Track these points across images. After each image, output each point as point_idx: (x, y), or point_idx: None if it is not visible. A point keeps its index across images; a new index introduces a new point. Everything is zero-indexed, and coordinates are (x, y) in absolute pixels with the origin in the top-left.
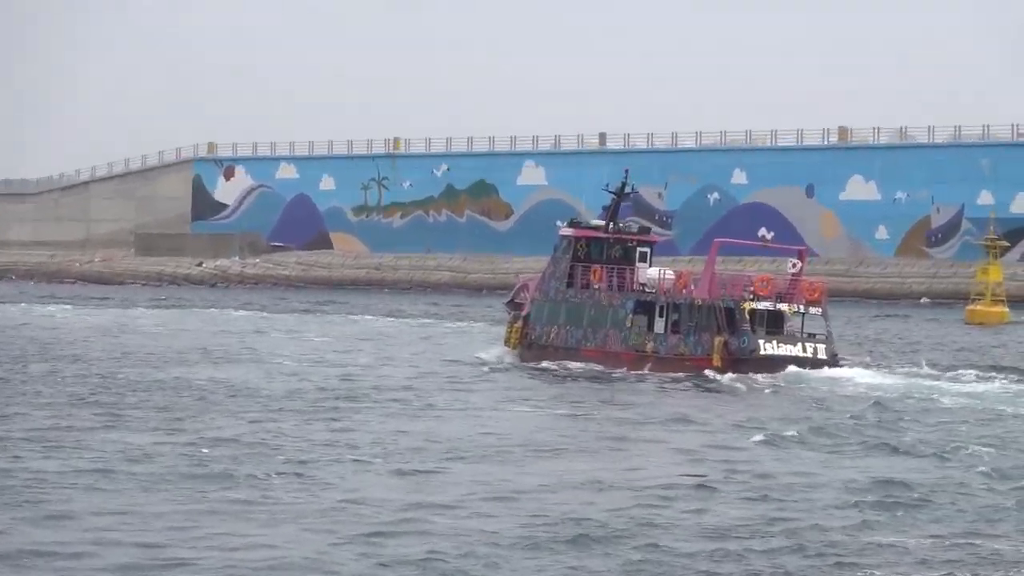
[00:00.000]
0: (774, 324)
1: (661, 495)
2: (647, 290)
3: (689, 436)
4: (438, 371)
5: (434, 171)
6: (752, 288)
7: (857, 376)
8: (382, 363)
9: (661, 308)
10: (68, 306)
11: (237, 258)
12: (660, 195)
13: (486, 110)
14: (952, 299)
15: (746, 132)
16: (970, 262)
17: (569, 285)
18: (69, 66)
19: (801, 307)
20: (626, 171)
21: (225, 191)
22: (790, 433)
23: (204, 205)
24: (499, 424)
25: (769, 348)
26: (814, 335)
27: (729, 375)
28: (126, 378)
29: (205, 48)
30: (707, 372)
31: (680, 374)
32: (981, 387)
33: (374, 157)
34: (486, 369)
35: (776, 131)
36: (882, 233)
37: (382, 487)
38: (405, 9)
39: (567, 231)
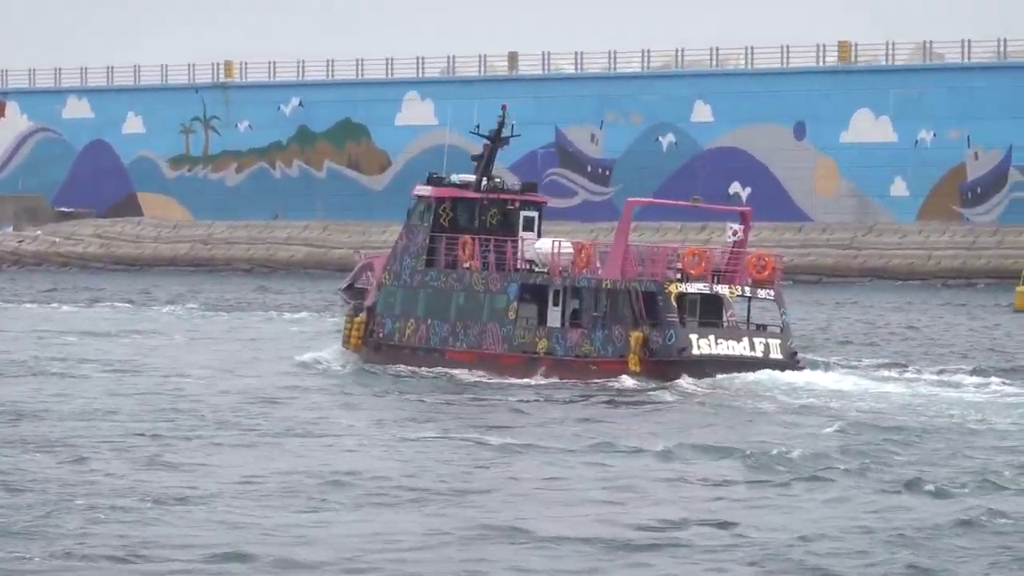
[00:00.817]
0: (710, 313)
1: (575, 551)
2: (536, 269)
3: (601, 471)
4: (241, 384)
5: (281, 107)
6: (679, 265)
7: (824, 382)
8: (178, 374)
9: (556, 293)
10: None
11: (11, 229)
12: (594, 138)
13: (352, 22)
14: (996, 278)
15: (711, 50)
16: (1021, 227)
17: (429, 264)
18: None
19: (747, 289)
20: (503, 107)
21: None
22: (732, 466)
23: None
24: (344, 459)
25: (704, 346)
26: (765, 327)
27: (652, 383)
28: None
29: None
30: (621, 379)
31: (585, 383)
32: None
33: (198, 88)
34: (311, 378)
35: (752, 48)
36: (899, 188)
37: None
38: None
39: (424, 190)
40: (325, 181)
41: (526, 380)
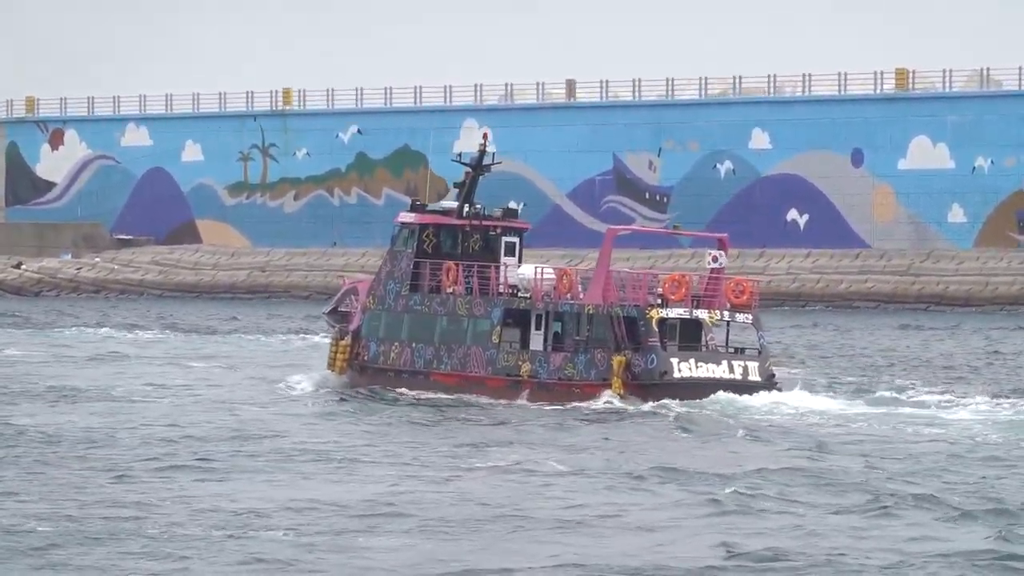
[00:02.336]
0: (690, 337)
1: None
2: (519, 294)
3: (651, 498)
4: (234, 407)
5: (340, 135)
6: (660, 290)
7: (800, 402)
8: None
9: (539, 318)
10: None
11: (69, 256)
12: (651, 166)
13: (411, 49)
14: None
15: (768, 78)
16: None
17: (413, 289)
18: None
19: (725, 314)
20: (484, 135)
21: (51, 164)
22: (739, 491)
23: (22, 184)
24: (337, 488)
25: (685, 369)
26: (743, 350)
27: (634, 404)
28: None
29: None
30: (604, 401)
31: (569, 404)
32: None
33: (256, 116)
34: (302, 402)
35: (810, 75)
36: (957, 215)
37: None
38: None
39: (407, 217)
40: (383, 208)
41: (518, 402)
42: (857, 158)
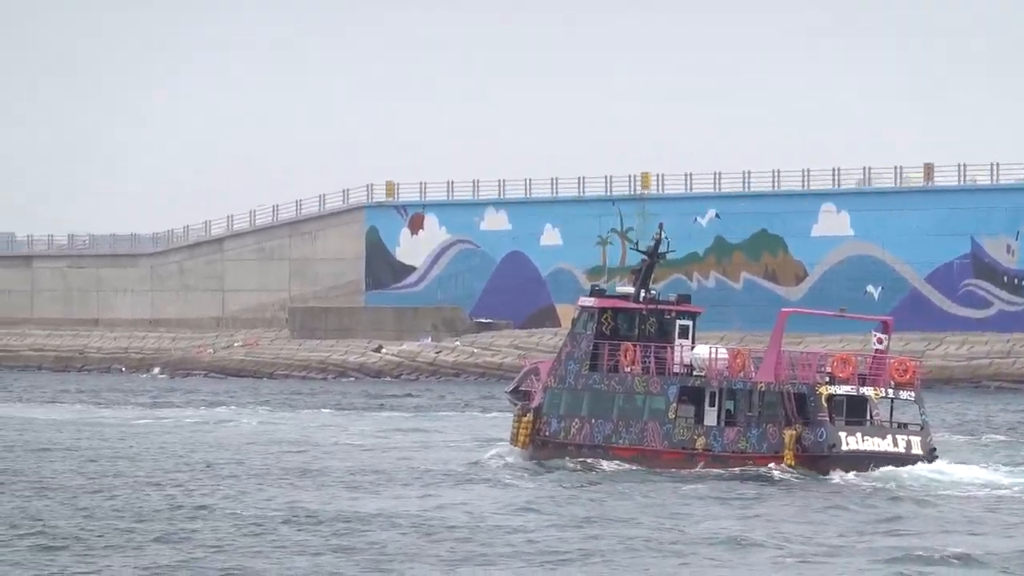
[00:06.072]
0: (856, 412)
1: None
2: (694, 373)
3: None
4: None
5: (698, 219)
6: (828, 369)
7: (964, 475)
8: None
9: (713, 395)
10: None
11: (429, 340)
12: (1009, 249)
13: (768, 133)
14: None
15: None
16: None
17: (593, 368)
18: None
19: (889, 391)
20: (660, 225)
21: (411, 249)
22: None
23: (382, 268)
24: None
25: (852, 442)
26: (906, 425)
27: (809, 476)
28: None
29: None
30: (776, 472)
31: (745, 474)
32: None
33: (615, 200)
34: (493, 475)
35: None
36: None
37: None
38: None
39: (587, 301)
40: (741, 293)
41: (688, 471)
42: None
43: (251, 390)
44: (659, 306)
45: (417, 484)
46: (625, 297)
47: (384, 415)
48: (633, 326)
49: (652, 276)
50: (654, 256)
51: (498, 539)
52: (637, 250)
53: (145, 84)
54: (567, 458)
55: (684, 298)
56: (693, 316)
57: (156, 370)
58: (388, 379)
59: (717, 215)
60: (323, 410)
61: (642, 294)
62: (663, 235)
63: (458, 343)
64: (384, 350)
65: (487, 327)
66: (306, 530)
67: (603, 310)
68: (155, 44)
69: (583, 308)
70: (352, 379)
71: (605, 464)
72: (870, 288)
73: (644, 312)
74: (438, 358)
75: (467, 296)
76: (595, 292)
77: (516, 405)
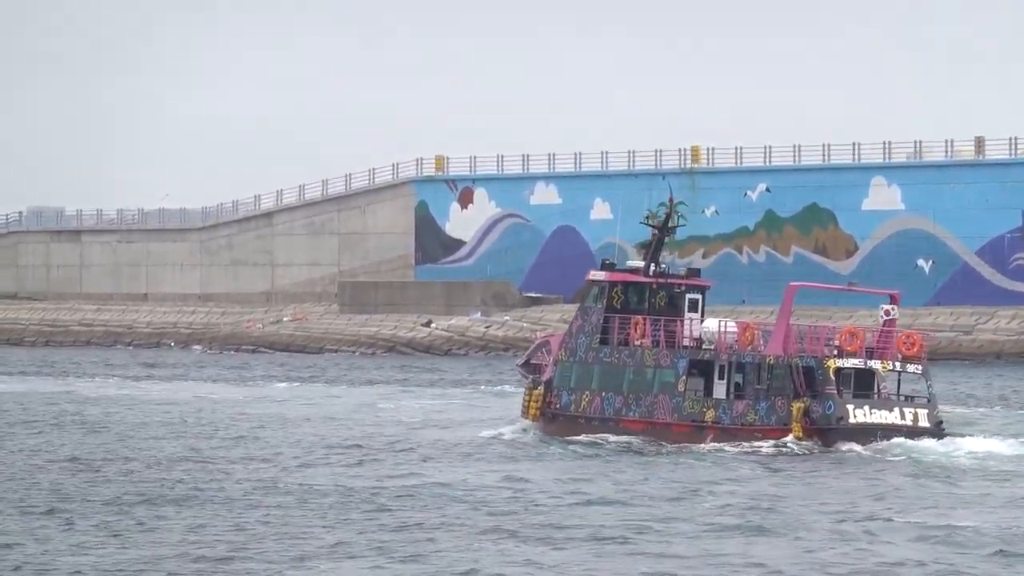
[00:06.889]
0: (864, 386)
1: None
2: (703, 346)
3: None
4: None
5: (748, 193)
6: (836, 342)
7: (971, 447)
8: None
9: (722, 368)
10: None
11: (479, 314)
12: None
13: (817, 107)
14: None
15: None
16: None
17: (603, 342)
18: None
19: (896, 364)
20: (670, 196)
21: (460, 223)
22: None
23: (432, 243)
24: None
25: (860, 415)
26: (912, 398)
27: (816, 447)
28: None
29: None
30: (786, 445)
31: (753, 447)
32: None
33: (665, 175)
34: (507, 448)
35: None
36: None
37: None
38: None
39: (598, 275)
40: (792, 267)
41: (696, 444)
42: None
43: (311, 366)
44: (669, 280)
45: (444, 459)
46: (635, 271)
47: (431, 391)
48: (643, 300)
49: (660, 249)
50: (664, 229)
51: (500, 509)
52: (647, 223)
53: (197, 57)
54: (578, 433)
55: (693, 272)
56: (702, 290)
57: (198, 347)
58: (438, 354)
59: (767, 189)
60: (373, 385)
61: (652, 268)
62: (673, 209)
63: (508, 318)
64: (434, 325)
65: (537, 302)
66: (352, 507)
67: (613, 284)
68: (204, 20)
69: (594, 282)
70: (402, 354)
71: (616, 437)
72: (920, 262)
73: (654, 286)
74: (487, 332)
75: (517, 271)
76: (605, 266)
77: (527, 379)
